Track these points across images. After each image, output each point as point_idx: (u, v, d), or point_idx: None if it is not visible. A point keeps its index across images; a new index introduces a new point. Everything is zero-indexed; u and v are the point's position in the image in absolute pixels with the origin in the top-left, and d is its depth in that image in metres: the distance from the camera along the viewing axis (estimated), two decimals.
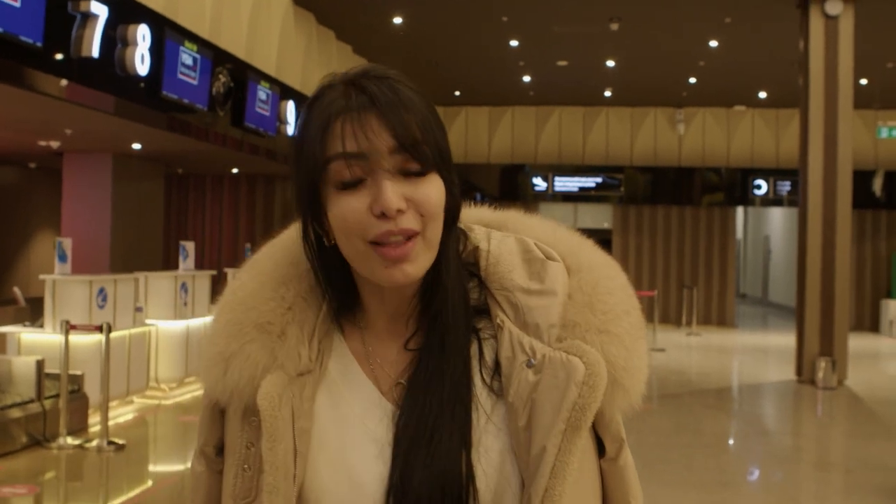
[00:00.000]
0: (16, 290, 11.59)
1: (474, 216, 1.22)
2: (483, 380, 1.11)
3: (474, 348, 1.13)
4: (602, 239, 21.41)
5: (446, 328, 1.11)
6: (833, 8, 11.84)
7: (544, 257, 1.14)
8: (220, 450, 1.20)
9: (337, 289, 1.15)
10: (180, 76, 8.68)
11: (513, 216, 1.24)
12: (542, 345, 1.09)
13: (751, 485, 7.30)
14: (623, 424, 1.19)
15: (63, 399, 7.50)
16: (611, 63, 16.60)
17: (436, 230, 1.08)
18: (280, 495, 1.07)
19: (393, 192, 1.04)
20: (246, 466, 1.12)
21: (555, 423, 1.04)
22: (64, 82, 7.33)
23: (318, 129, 1.07)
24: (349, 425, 1.11)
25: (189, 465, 1.36)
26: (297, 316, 1.13)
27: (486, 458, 1.07)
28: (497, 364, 1.11)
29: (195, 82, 9.10)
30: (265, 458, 1.08)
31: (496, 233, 1.19)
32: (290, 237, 1.20)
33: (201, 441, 1.22)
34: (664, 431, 8.95)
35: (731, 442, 9.00)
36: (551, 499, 1.04)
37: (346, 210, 1.05)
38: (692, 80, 17.80)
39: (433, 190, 1.07)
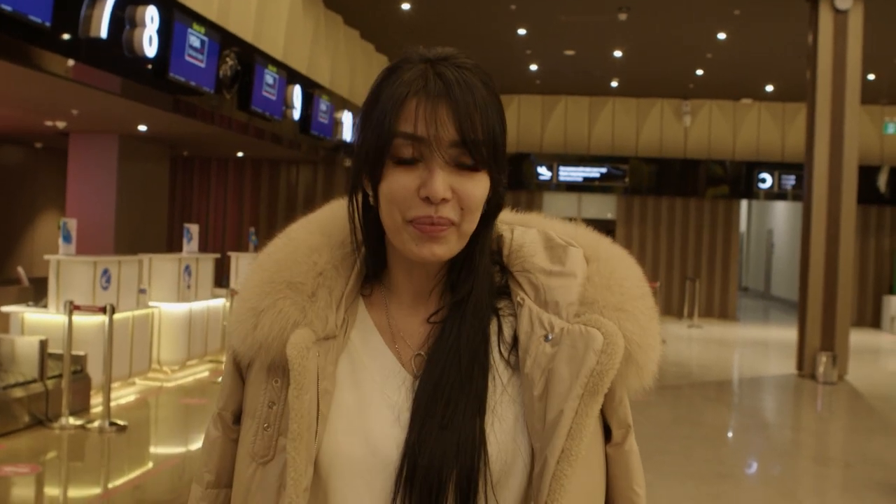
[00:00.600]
0: (20, 269, 11.60)
1: (499, 219, 1.27)
2: (501, 353, 1.17)
3: (494, 325, 1.18)
4: (606, 230, 21.38)
5: (472, 307, 1.17)
6: (843, 2, 11.80)
7: (565, 244, 1.21)
8: (238, 418, 1.24)
9: (370, 251, 1.21)
10: (188, 58, 8.67)
11: (535, 217, 1.30)
12: (560, 320, 1.15)
13: (749, 477, 7.32)
14: (629, 410, 1.24)
15: (65, 379, 7.52)
16: (618, 53, 16.55)
17: (471, 223, 1.14)
18: (303, 444, 1.11)
19: (442, 181, 1.10)
20: (266, 425, 1.17)
21: (573, 388, 1.10)
22: (71, 62, 7.32)
23: (392, 102, 1.12)
24: (368, 392, 1.16)
25: (188, 447, 1.38)
26: (327, 282, 1.18)
27: (499, 426, 1.12)
28: (515, 340, 1.17)
29: (202, 65, 9.09)
30: (291, 406, 1.12)
31: (520, 227, 1.26)
32: (323, 214, 1.27)
33: (220, 405, 1.26)
34: (663, 422, 8.97)
35: (730, 434, 9.02)
36: (567, 459, 1.09)
37: (397, 185, 1.11)
38: (699, 71, 17.76)
39: (479, 187, 1.13)
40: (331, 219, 1.25)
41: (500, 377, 1.15)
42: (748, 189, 20.73)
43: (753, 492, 6.88)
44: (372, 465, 1.12)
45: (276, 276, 1.18)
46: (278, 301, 1.16)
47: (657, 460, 7.26)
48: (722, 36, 14.76)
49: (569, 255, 1.19)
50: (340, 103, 14.33)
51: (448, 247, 1.13)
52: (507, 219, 1.27)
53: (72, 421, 7.47)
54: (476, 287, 1.17)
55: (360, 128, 1.18)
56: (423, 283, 1.20)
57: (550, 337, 1.13)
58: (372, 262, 1.21)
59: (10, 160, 15.54)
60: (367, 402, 1.15)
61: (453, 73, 1.13)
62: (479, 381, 1.13)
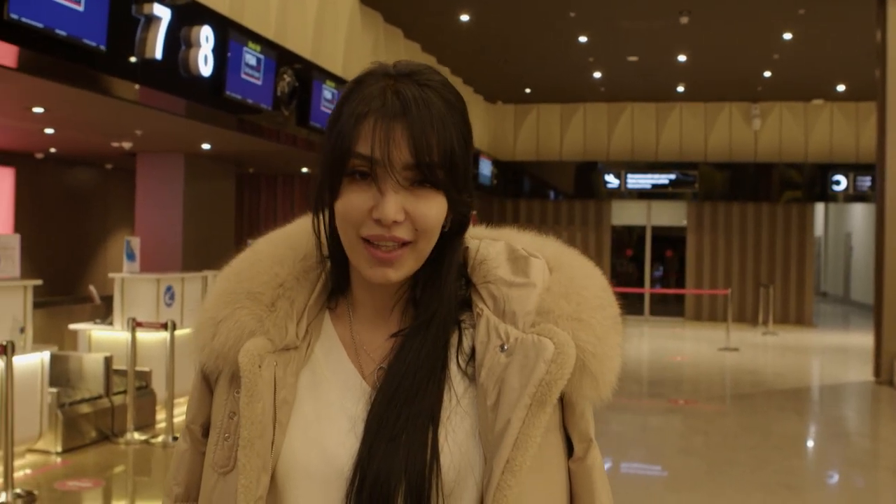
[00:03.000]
0: (91, 288, 11.84)
1: (470, 233, 1.27)
2: (458, 365, 1.15)
3: (455, 338, 1.17)
4: (676, 237, 21.28)
5: (435, 325, 1.16)
6: None
7: (528, 255, 1.20)
8: (206, 431, 1.24)
9: (335, 267, 1.21)
10: (244, 76, 8.78)
11: (505, 231, 1.29)
12: (516, 330, 1.13)
13: (819, 489, 7.09)
14: (593, 424, 1.21)
15: (130, 395, 7.65)
16: (682, 57, 16.32)
17: (427, 244, 1.13)
18: (254, 451, 1.11)
19: (394, 203, 1.09)
20: (226, 435, 1.17)
21: (521, 398, 1.08)
22: (136, 86, 7.48)
23: (351, 119, 1.12)
24: (327, 404, 1.16)
25: None
26: (288, 293, 1.19)
27: (452, 437, 1.11)
28: (474, 351, 1.16)
29: (259, 82, 9.20)
30: (242, 412, 1.12)
31: (487, 240, 1.25)
32: (291, 227, 1.28)
33: (189, 418, 1.27)
34: (732, 432, 8.78)
35: (801, 444, 8.77)
36: (511, 470, 1.07)
37: (350, 204, 1.11)
38: (767, 73, 17.41)
39: (433, 209, 1.12)
40: (298, 232, 1.25)
41: (454, 389, 1.13)
42: (823, 192, 20.25)
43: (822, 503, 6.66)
44: (326, 474, 1.11)
45: (237, 286, 1.20)
46: (236, 311, 1.17)
47: (724, 471, 7.10)
48: (788, 36, 14.45)
49: (531, 266, 1.18)
50: None
51: (402, 270, 1.13)
52: (478, 234, 1.26)
53: (137, 436, 7.59)
54: (441, 308, 1.16)
55: (324, 142, 1.17)
56: (384, 300, 1.20)
57: (506, 347, 1.12)
58: (336, 277, 1.21)
59: (82, 181, 15.94)
60: (325, 413, 1.15)
61: (413, 91, 1.11)
62: (432, 393, 1.12)
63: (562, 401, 1.14)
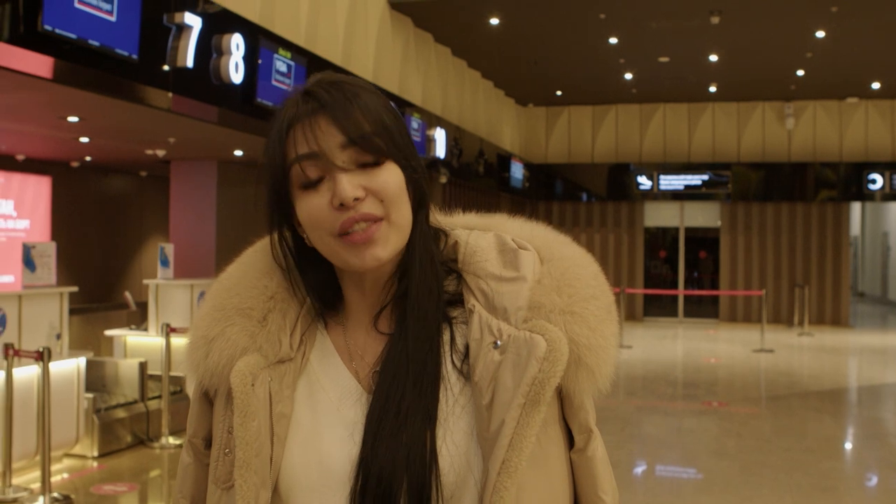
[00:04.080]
0: (127, 294, 11.99)
1: (461, 222, 1.27)
2: (453, 363, 1.15)
3: (447, 335, 1.16)
4: (710, 237, 21.12)
5: (413, 312, 1.15)
6: None
7: (517, 247, 1.18)
8: (208, 443, 1.23)
9: (317, 289, 1.20)
10: (274, 83, 8.85)
11: (497, 219, 1.28)
12: (508, 326, 1.12)
13: (854, 492, 7.01)
14: (593, 414, 1.20)
15: (164, 400, 7.73)
16: (713, 57, 16.22)
17: (401, 213, 1.13)
18: (251, 471, 1.11)
19: (349, 182, 1.09)
20: (227, 451, 1.16)
21: (514, 398, 1.07)
22: (170, 94, 7.57)
23: (276, 139, 1.14)
24: (324, 412, 1.15)
25: None
26: (279, 305, 1.18)
27: (450, 437, 1.11)
28: (468, 348, 1.15)
29: (290, 89, 9.24)
30: (236, 434, 1.12)
31: (476, 231, 1.23)
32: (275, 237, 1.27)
33: (190, 432, 1.26)
34: (765, 434, 8.71)
35: (836, 446, 8.67)
36: (507, 471, 1.06)
37: (311, 208, 1.11)
38: (800, 72, 17.25)
39: (390, 176, 1.12)
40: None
41: (451, 388, 1.13)
42: (858, 191, 20.02)
43: None
44: (327, 482, 1.11)
45: (226, 302, 1.19)
46: (227, 328, 1.16)
47: (756, 473, 7.04)
48: (820, 34, 14.31)
49: (520, 259, 1.17)
50: (434, 121, 14.42)
51: (388, 245, 1.12)
52: (468, 222, 1.26)
53: (171, 441, 7.67)
54: (413, 288, 1.15)
55: (264, 171, 1.19)
56: (376, 296, 1.19)
57: (499, 344, 1.11)
58: (323, 299, 1.21)
59: (117, 189, 16.13)
60: (322, 421, 1.15)
61: (325, 90, 1.13)
62: (429, 392, 1.11)
63: (560, 393, 1.14)
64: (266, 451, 1.11)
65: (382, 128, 1.12)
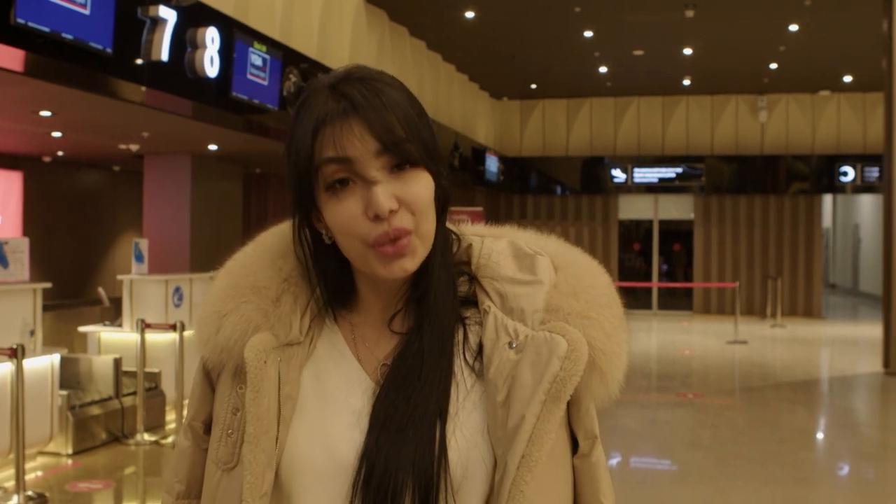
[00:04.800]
0: (100, 290, 11.90)
1: (471, 231, 1.29)
2: (465, 360, 1.16)
3: (460, 334, 1.18)
4: (683, 230, 21.26)
5: (430, 311, 1.17)
6: None
7: (533, 253, 1.21)
8: (208, 427, 1.24)
9: (331, 282, 1.21)
10: (250, 77, 8.81)
11: (506, 229, 1.30)
12: (525, 328, 1.14)
13: (828, 480, 7.09)
14: (597, 421, 1.23)
15: (139, 396, 7.68)
16: (688, 51, 16.30)
17: (428, 226, 1.14)
18: (260, 447, 1.11)
19: (384, 194, 1.09)
20: (230, 431, 1.17)
21: (535, 393, 1.09)
22: (143, 88, 7.52)
23: (306, 135, 1.12)
24: (331, 399, 1.16)
25: None
26: (293, 288, 1.19)
27: (460, 433, 1.11)
28: (480, 347, 1.16)
29: (265, 83, 9.22)
30: (248, 409, 1.12)
31: (490, 238, 1.26)
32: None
33: (190, 415, 1.26)
34: (740, 426, 8.78)
35: (809, 437, 8.76)
36: (528, 465, 1.08)
37: (343, 215, 1.11)
38: (773, 65, 17.37)
39: (422, 187, 1.13)
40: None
41: (463, 384, 1.14)
42: (830, 183, 20.21)
43: (833, 497, 6.66)
44: (331, 469, 1.12)
45: (241, 280, 1.19)
46: (241, 305, 1.17)
47: (732, 464, 7.10)
48: (794, 28, 14.42)
49: (537, 264, 1.19)
50: None
51: (416, 257, 1.13)
52: (479, 231, 1.28)
53: (147, 437, 7.63)
54: (432, 290, 1.17)
55: (286, 171, 1.18)
56: (390, 296, 1.20)
57: (514, 344, 1.13)
58: (337, 293, 1.21)
59: (90, 184, 16.00)
60: (329, 409, 1.15)
61: (357, 88, 1.11)
62: (440, 387, 1.13)
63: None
64: (273, 430, 1.12)
65: (416, 134, 1.12)
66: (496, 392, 1.11)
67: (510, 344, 1.13)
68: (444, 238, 1.20)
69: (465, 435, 1.11)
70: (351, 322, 1.21)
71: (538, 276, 1.18)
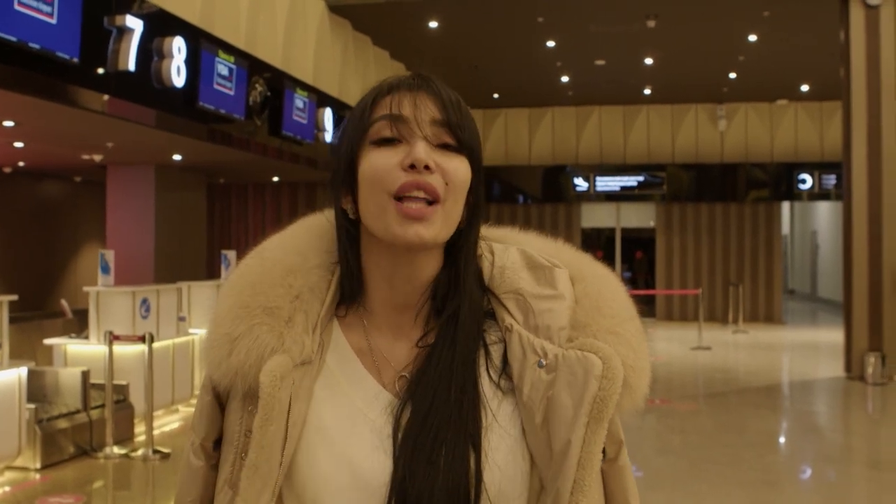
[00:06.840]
0: (63, 302, 11.77)
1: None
2: (490, 378, 1.13)
3: (480, 350, 1.15)
4: (645, 238, 21.42)
5: (462, 329, 1.14)
6: None
7: (550, 265, 1.18)
8: (218, 443, 1.21)
9: (348, 270, 1.18)
10: (216, 87, 8.77)
11: (511, 232, 1.28)
12: (552, 346, 1.12)
13: (797, 484, 7.18)
14: (622, 426, 1.23)
15: (108, 409, 7.59)
16: (649, 61, 16.47)
17: (456, 206, 1.13)
18: (259, 476, 1.09)
19: (426, 150, 1.10)
20: (244, 454, 1.12)
21: (577, 417, 1.08)
22: (106, 97, 7.45)
23: (369, 99, 1.15)
24: (350, 417, 1.12)
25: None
26: (304, 305, 1.15)
27: (492, 457, 1.09)
28: (504, 364, 1.14)
29: (231, 92, 9.18)
30: (254, 436, 1.09)
31: (497, 245, 1.23)
32: (297, 233, 1.23)
33: (201, 436, 1.22)
34: (708, 431, 8.87)
35: (776, 440, 8.87)
36: (580, 489, 1.07)
37: (378, 161, 1.11)
38: (732, 75, 17.61)
39: (462, 167, 1.14)
40: (305, 238, 1.21)
41: (489, 405, 1.12)
42: (789, 191, 20.49)
43: (801, 499, 6.75)
44: (357, 491, 1.09)
45: (251, 300, 1.14)
46: (254, 327, 1.12)
47: (703, 469, 7.17)
48: (753, 38, 14.63)
49: (556, 277, 1.17)
50: None
51: (433, 230, 1.10)
52: (482, 232, 1.24)
53: (116, 450, 7.54)
54: (464, 304, 1.14)
55: (340, 135, 1.18)
56: (406, 297, 1.16)
57: (544, 363, 1.11)
58: (350, 282, 1.17)
59: (51, 194, 15.81)
60: (349, 427, 1.12)
61: (430, 77, 1.16)
62: (470, 414, 1.09)
63: None
64: (276, 457, 1.09)
65: (471, 130, 1.15)
66: (533, 415, 1.09)
67: (539, 363, 1.10)
68: (473, 251, 1.18)
69: (496, 460, 1.09)
70: (362, 328, 1.18)
71: (559, 290, 1.15)
